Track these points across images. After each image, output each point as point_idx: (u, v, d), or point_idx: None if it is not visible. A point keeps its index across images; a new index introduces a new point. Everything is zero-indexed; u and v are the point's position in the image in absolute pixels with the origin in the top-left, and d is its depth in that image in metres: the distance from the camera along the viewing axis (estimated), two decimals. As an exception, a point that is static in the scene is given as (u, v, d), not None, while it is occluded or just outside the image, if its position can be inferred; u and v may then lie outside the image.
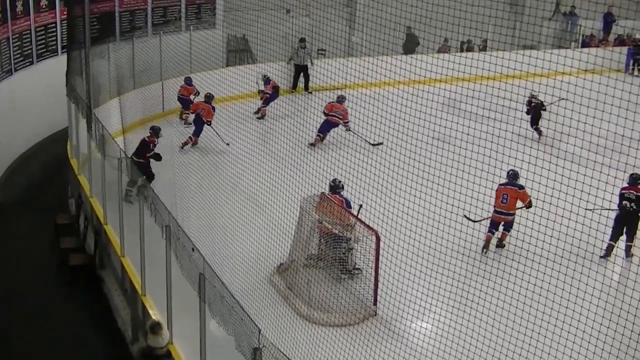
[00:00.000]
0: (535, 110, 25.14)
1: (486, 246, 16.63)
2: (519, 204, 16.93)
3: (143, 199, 14.62)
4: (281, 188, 15.88)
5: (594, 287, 12.87)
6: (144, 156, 19.22)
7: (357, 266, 15.14)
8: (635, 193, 16.64)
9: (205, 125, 23.28)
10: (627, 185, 16.74)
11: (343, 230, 14.87)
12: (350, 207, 15.77)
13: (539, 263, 13.58)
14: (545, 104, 24.49)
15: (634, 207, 16.55)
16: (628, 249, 16.77)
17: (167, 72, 25.37)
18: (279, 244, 15.21)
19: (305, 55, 28.83)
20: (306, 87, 29.12)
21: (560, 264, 12.97)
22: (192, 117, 24.49)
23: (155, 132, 19.80)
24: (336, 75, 24.75)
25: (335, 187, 15.99)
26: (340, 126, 24.18)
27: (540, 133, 24.88)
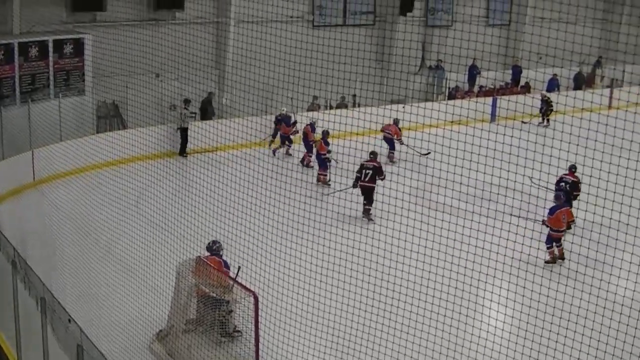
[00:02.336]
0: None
1: (554, 260, 18.66)
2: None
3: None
4: (156, 253, 15.74)
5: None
6: (375, 180, 21.02)
7: (237, 328, 15.04)
8: (571, 178, 20.51)
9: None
10: (569, 172, 20.50)
11: (221, 293, 14.77)
12: (229, 269, 15.69)
13: (417, 313, 13.77)
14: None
15: (568, 188, 20.33)
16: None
17: (36, 140, 24.96)
18: (157, 310, 15.03)
19: (188, 117, 28.45)
20: (183, 150, 28.61)
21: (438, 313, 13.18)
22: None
23: (376, 155, 21.82)
24: (207, 138, 24.78)
25: (210, 248, 15.87)
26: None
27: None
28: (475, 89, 36.31)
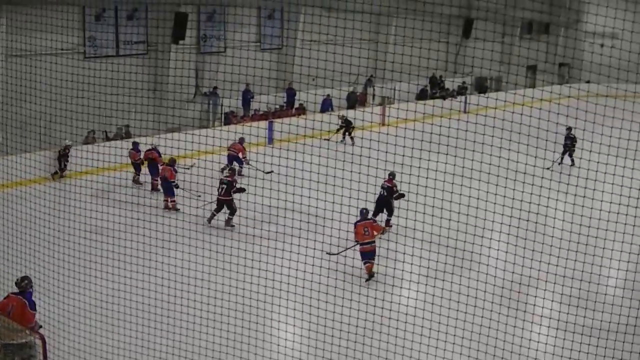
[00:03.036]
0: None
1: (371, 275, 18.38)
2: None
3: None
4: None
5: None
6: (231, 193, 21.57)
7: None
8: (388, 184, 21.89)
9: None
10: (387, 178, 21.74)
11: (19, 337, 14.10)
12: (35, 309, 14.91)
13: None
14: None
15: (386, 194, 21.89)
16: (387, 222, 21.83)
17: None
18: None
19: None
20: None
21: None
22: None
23: (234, 171, 22.77)
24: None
25: (19, 284, 14.91)
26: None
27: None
28: (250, 113, 36.50)
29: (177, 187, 24.01)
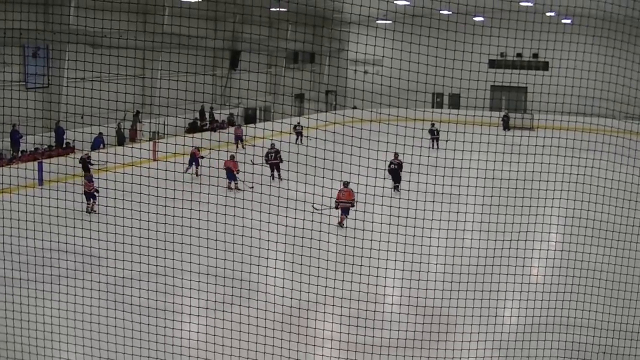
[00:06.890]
0: None
1: (341, 225, 24.65)
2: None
3: None
4: None
5: None
6: (278, 158, 32.09)
7: None
8: (397, 161, 29.79)
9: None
10: (395, 157, 29.07)
11: None
12: None
13: None
14: None
15: (396, 167, 29.99)
16: (397, 188, 29.68)
17: None
18: None
19: None
20: None
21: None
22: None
23: (273, 145, 31.79)
24: None
25: None
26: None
27: None
28: (19, 154, 35.39)
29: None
